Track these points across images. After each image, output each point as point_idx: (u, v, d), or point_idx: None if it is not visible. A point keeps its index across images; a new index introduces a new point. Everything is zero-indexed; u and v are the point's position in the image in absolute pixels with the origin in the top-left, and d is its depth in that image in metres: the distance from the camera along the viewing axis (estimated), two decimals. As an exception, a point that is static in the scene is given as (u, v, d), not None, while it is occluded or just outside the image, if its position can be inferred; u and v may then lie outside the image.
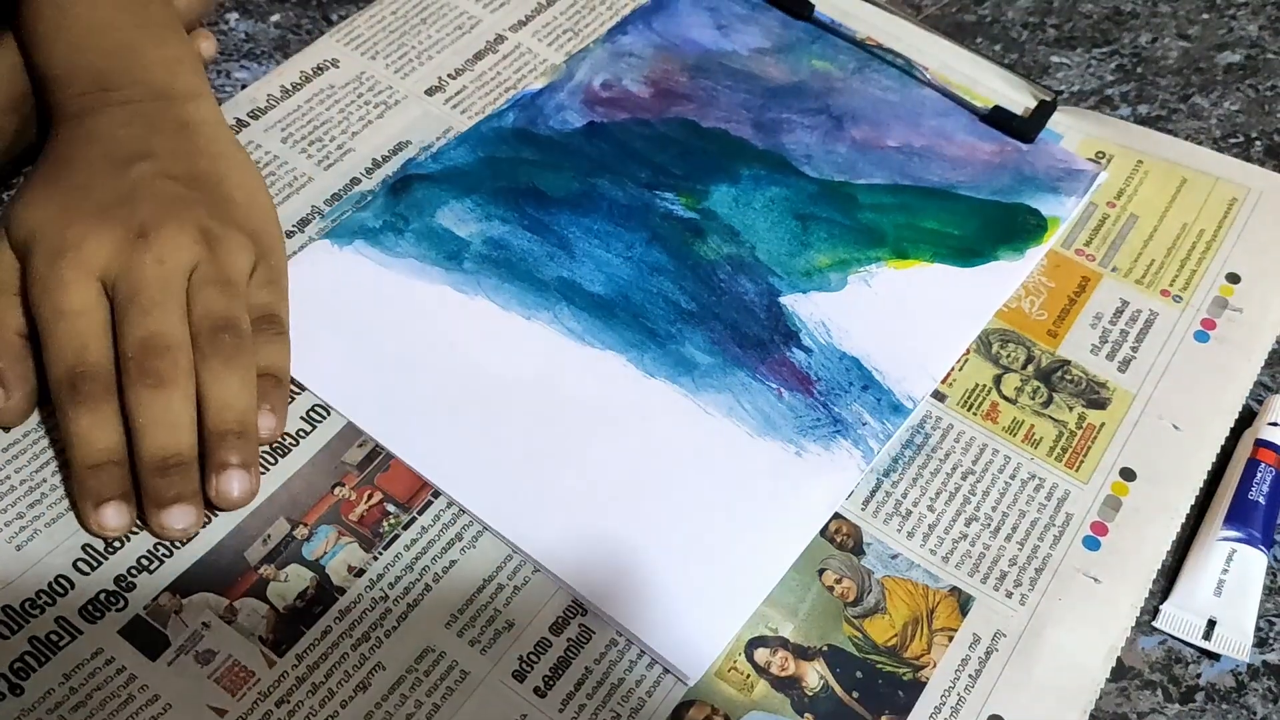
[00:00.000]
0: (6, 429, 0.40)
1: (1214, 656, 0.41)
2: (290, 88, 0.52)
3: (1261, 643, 0.42)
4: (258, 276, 0.43)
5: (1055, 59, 0.59)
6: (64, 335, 0.38)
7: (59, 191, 0.41)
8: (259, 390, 0.41)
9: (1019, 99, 0.56)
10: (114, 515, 0.38)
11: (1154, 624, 0.42)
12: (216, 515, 0.40)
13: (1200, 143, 0.57)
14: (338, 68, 0.53)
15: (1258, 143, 0.57)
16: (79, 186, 0.41)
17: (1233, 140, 0.57)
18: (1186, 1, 0.61)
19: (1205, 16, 0.61)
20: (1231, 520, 0.43)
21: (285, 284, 0.44)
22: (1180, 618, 0.42)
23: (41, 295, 0.39)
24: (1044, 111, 0.55)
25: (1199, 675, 0.41)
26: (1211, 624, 0.41)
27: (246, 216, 0.43)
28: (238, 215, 0.43)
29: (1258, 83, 0.59)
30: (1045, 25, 0.61)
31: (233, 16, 0.56)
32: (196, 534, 0.39)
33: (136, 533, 0.39)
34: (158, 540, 0.39)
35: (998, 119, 0.55)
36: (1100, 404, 0.47)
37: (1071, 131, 0.55)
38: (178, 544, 0.39)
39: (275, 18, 0.56)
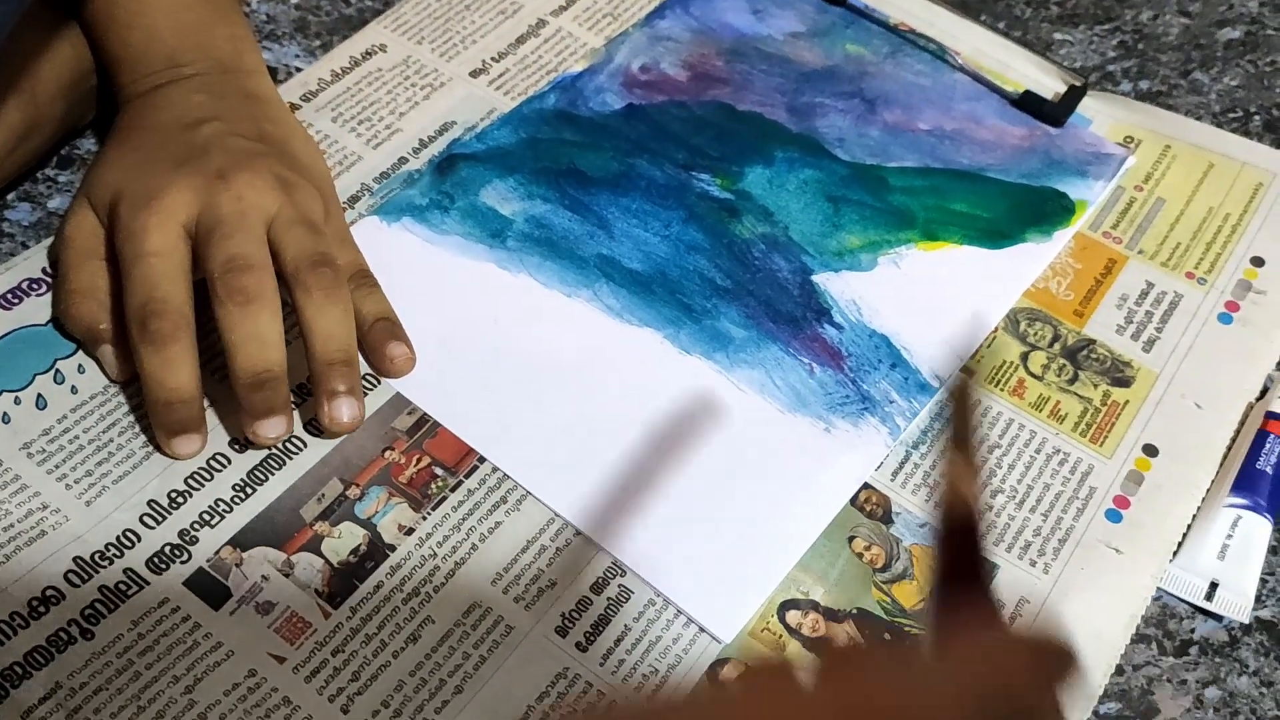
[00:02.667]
0: (115, 382, 0.43)
1: (1214, 616, 0.42)
2: (340, 71, 0.54)
3: (1255, 599, 0.43)
4: (330, 235, 0.44)
5: (1058, 35, 0.60)
6: (139, 275, 0.40)
7: (135, 151, 0.44)
8: (386, 331, 0.44)
9: (1049, 84, 0.57)
10: (184, 444, 0.41)
11: (1159, 584, 0.43)
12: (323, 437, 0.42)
13: (1200, 118, 0.57)
14: (385, 52, 0.55)
15: (1256, 118, 0.58)
16: (155, 145, 0.43)
17: (1232, 115, 0.58)
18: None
19: (1206, -7, 0.62)
20: (1238, 488, 0.44)
21: (355, 242, 0.46)
22: (1184, 579, 0.43)
23: (125, 242, 0.41)
24: (1074, 96, 0.56)
25: (1193, 630, 0.42)
26: (1214, 586, 0.43)
27: (311, 174, 0.45)
28: (304, 171, 0.45)
29: (1257, 58, 0.60)
30: (1048, 2, 0.62)
31: (255, -2, 0.57)
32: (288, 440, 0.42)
33: (198, 489, 0.41)
34: (217, 496, 0.41)
35: (1028, 103, 0.56)
36: (1124, 382, 0.48)
37: (1101, 116, 0.56)
38: (242, 494, 0.41)
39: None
